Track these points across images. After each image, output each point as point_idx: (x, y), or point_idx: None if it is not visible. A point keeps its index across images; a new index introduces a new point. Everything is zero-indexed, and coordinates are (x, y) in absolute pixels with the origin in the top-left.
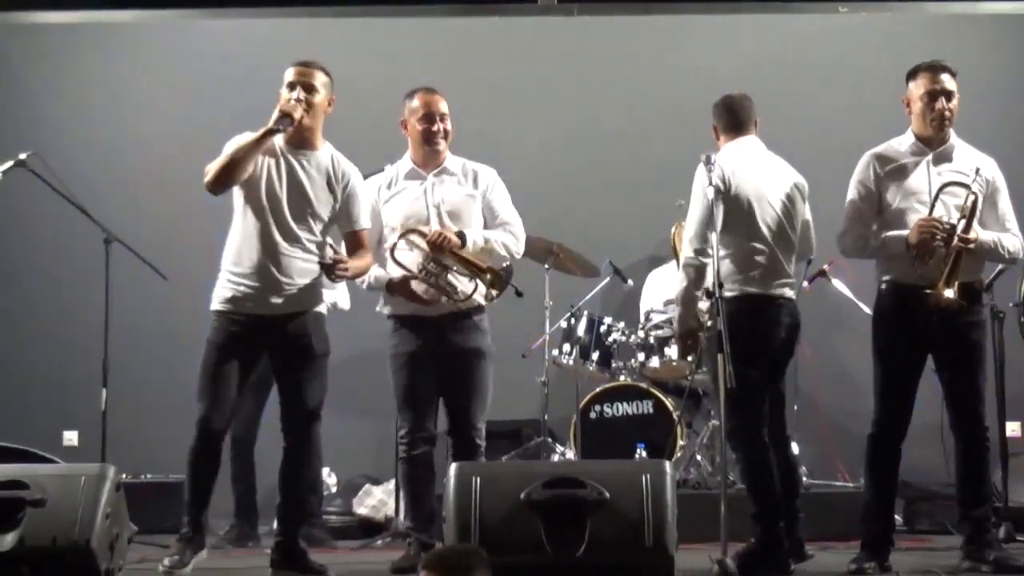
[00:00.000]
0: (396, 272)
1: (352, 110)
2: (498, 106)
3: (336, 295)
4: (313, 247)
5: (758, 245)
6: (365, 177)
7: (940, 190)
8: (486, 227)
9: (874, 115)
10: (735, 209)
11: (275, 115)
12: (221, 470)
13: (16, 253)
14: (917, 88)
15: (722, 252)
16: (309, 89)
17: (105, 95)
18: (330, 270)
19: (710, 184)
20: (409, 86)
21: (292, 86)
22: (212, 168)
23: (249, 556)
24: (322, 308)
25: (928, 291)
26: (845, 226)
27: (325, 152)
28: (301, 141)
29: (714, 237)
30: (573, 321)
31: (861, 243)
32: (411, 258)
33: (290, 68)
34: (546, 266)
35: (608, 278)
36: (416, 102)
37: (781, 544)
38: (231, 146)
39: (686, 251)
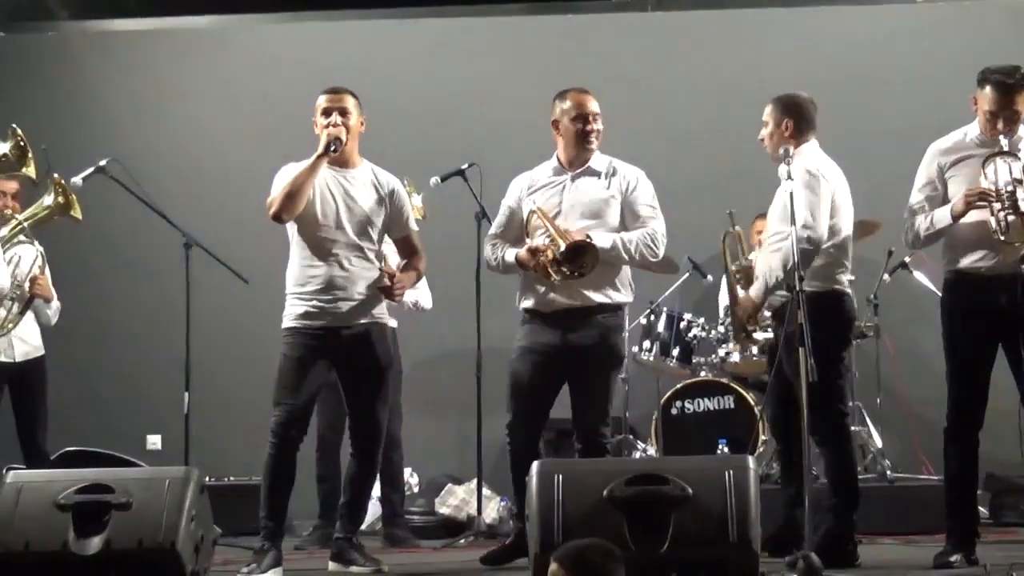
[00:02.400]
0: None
1: (429, 110)
2: None
3: (418, 294)
4: (373, 256)
5: (844, 242)
6: (443, 179)
7: (985, 161)
8: (627, 228)
9: (953, 109)
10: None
11: (323, 140)
12: (306, 470)
13: (97, 259)
14: (983, 100)
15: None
16: (344, 113)
17: (183, 100)
18: (388, 292)
19: (788, 178)
20: (484, 85)
21: (328, 112)
22: (277, 198)
23: None
24: (388, 320)
25: None
26: (906, 218)
27: (365, 168)
28: (343, 162)
29: (788, 228)
30: (653, 318)
31: (916, 225)
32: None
33: (321, 96)
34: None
35: (687, 274)
36: (569, 102)
37: (852, 538)
38: (284, 177)
39: (811, 232)
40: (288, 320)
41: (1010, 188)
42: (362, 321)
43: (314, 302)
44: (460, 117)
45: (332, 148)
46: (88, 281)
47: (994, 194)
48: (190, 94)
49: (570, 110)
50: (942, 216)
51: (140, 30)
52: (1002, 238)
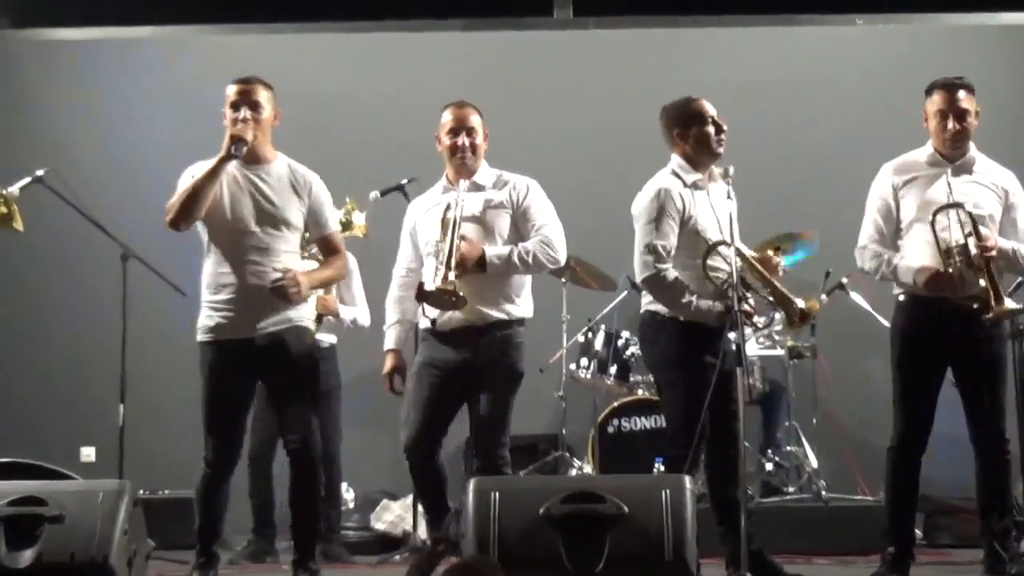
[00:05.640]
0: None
1: (369, 124)
2: (514, 120)
3: (356, 311)
4: (290, 258)
5: None
6: (383, 194)
7: (936, 214)
8: (524, 239)
9: (892, 127)
10: None
11: (226, 141)
12: (239, 485)
13: (34, 269)
14: (932, 105)
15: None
16: (254, 107)
17: (122, 111)
18: (281, 292)
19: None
20: (425, 100)
21: (236, 106)
22: (173, 204)
23: (267, 572)
24: (307, 323)
25: (987, 316)
26: (863, 241)
27: (281, 163)
28: (255, 158)
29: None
30: (590, 335)
31: (876, 263)
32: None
33: (231, 86)
34: (563, 280)
35: (625, 292)
36: (445, 116)
37: None
38: (187, 179)
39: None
40: (202, 333)
41: (961, 243)
42: (280, 327)
43: (227, 312)
44: (401, 133)
45: (234, 150)
46: (24, 291)
47: (947, 275)
48: (130, 104)
49: (446, 124)
50: (904, 273)
51: (80, 39)
52: (959, 293)
